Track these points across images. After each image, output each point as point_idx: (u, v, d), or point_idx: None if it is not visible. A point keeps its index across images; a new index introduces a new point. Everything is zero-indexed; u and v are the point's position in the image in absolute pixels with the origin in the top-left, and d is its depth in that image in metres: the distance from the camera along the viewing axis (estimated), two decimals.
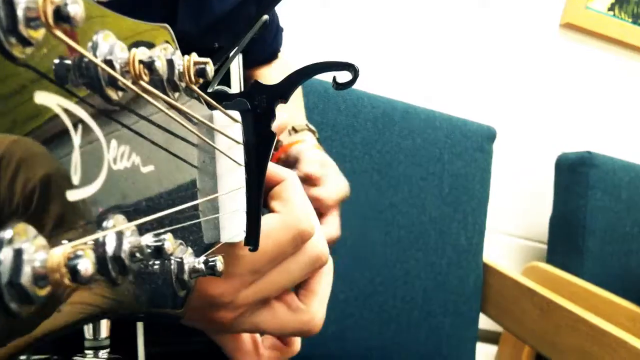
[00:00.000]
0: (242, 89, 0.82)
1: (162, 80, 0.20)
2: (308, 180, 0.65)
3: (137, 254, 0.17)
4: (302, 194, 0.39)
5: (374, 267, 1.35)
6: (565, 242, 1.55)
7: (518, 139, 1.78)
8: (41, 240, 0.15)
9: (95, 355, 0.23)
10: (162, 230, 0.20)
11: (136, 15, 0.26)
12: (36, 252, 0.14)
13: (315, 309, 0.42)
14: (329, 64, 0.36)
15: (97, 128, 0.18)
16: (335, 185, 0.69)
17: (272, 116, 0.33)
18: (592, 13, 1.80)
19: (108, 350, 0.23)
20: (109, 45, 0.17)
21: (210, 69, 0.21)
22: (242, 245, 0.33)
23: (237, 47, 0.39)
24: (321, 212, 0.67)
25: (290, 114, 0.81)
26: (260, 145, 0.32)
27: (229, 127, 0.29)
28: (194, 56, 0.21)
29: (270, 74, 0.87)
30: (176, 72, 0.20)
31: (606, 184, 1.53)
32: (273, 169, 0.39)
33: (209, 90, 0.35)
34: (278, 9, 0.89)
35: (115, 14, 0.20)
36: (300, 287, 0.42)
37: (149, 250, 0.18)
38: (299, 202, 0.37)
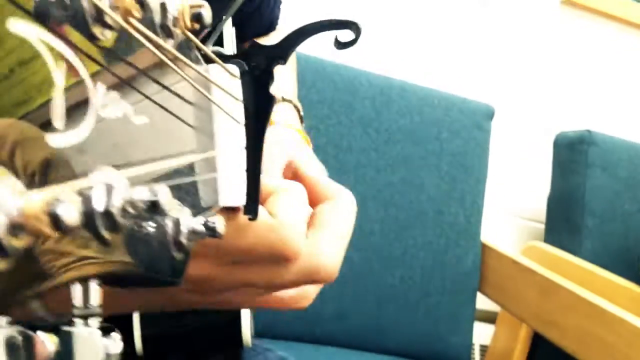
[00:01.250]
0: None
1: (153, 23, 0.18)
2: None
3: (130, 209, 0.15)
4: (296, 209, 0.35)
5: (372, 247, 1.34)
6: (564, 221, 1.54)
7: (517, 117, 1.77)
8: (18, 186, 0.13)
9: (86, 324, 0.21)
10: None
11: None
12: (12, 198, 0.12)
13: (320, 243, 0.37)
14: (330, 22, 0.34)
15: (83, 68, 0.16)
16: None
17: (270, 78, 0.31)
18: None
19: (100, 319, 0.21)
20: None
21: (208, 13, 0.19)
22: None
23: (229, 10, 0.37)
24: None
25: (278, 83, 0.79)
26: (259, 109, 0.31)
27: (226, 83, 0.27)
28: None
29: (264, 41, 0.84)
30: (170, 16, 0.18)
31: (605, 162, 1.52)
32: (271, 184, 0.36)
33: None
34: None
35: None
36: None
37: (142, 205, 0.16)
38: (298, 212, 0.34)
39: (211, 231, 0.20)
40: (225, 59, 0.31)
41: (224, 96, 0.26)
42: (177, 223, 0.19)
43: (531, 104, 1.79)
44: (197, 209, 0.23)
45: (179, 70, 0.20)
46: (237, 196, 0.26)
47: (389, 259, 1.35)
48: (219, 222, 0.21)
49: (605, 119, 1.80)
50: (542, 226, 1.63)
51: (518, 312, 1.34)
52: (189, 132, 0.24)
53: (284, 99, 0.74)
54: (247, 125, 0.31)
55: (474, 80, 1.71)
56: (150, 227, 0.18)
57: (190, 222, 0.19)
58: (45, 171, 0.15)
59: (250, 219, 0.30)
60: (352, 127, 1.35)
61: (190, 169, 0.23)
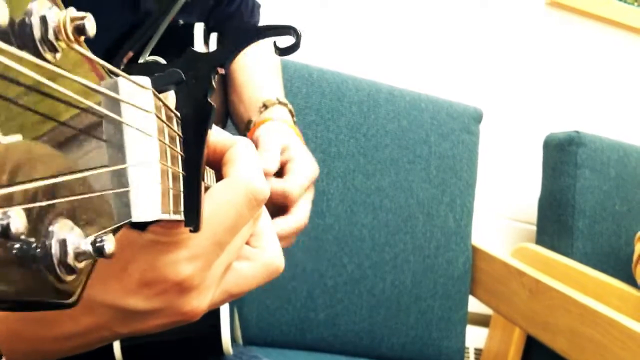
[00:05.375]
0: None
1: (32, 39, 0.17)
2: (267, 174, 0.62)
3: None
4: (252, 154, 0.37)
5: (362, 252, 1.33)
6: (555, 223, 1.54)
7: (505, 120, 1.77)
8: None
9: None
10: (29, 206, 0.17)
11: None
12: None
13: (269, 245, 0.40)
14: (269, 27, 0.34)
15: None
16: (299, 172, 0.65)
17: (208, 86, 0.31)
18: None
19: None
20: None
21: (91, 25, 0.19)
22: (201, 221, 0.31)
23: (166, 15, 0.37)
24: (287, 204, 0.63)
25: (264, 87, 0.79)
26: (197, 118, 0.31)
27: (137, 94, 0.26)
28: (71, 11, 0.19)
29: (250, 48, 0.84)
30: (51, 30, 0.18)
31: (595, 162, 1.52)
32: (221, 138, 0.37)
33: (140, 60, 0.33)
34: None
35: None
36: None
37: None
38: (247, 161, 0.35)
39: (98, 251, 0.20)
40: (162, 68, 0.30)
41: (133, 110, 0.25)
42: (63, 244, 0.18)
43: (519, 106, 1.79)
44: (105, 225, 0.23)
45: (71, 93, 0.20)
46: (151, 210, 0.26)
47: (379, 264, 1.34)
48: (108, 242, 0.20)
49: (593, 120, 1.81)
50: (534, 228, 1.63)
51: (510, 314, 1.34)
52: (101, 145, 0.23)
53: (279, 102, 0.75)
54: (185, 136, 0.30)
55: (461, 84, 1.72)
56: (34, 250, 0.18)
57: (78, 242, 0.19)
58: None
59: (191, 231, 0.30)
60: (339, 132, 1.35)
61: (99, 182, 0.22)
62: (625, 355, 1.04)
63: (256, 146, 0.64)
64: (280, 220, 0.62)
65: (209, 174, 0.40)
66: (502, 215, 1.79)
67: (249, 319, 1.24)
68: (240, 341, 0.84)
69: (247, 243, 0.39)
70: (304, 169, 0.65)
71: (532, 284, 1.25)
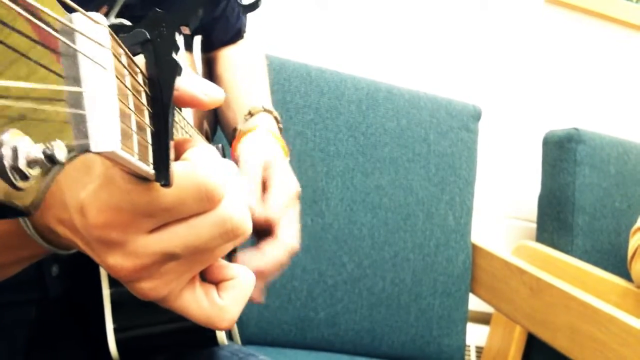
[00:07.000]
0: (202, 71, 0.81)
1: None
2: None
3: None
4: (219, 156, 0.36)
5: (362, 251, 1.33)
6: (555, 220, 1.54)
7: (504, 117, 1.77)
8: None
9: None
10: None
11: None
12: None
13: (229, 306, 0.39)
14: None
15: None
16: (278, 192, 0.62)
17: (172, 45, 0.32)
18: None
19: None
20: None
21: None
22: (136, 182, 0.31)
23: None
24: (271, 228, 0.60)
25: (251, 93, 0.79)
26: (162, 75, 0.31)
27: (91, 30, 0.26)
28: None
29: (237, 53, 0.85)
30: None
31: (594, 160, 1.52)
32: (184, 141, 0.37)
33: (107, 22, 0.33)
34: None
35: None
36: (221, 280, 0.39)
37: None
38: (211, 158, 0.35)
39: (49, 158, 0.20)
40: (128, 29, 0.31)
41: (88, 43, 0.25)
42: (14, 151, 0.19)
43: (518, 104, 1.79)
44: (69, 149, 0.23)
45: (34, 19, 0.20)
46: (110, 143, 0.25)
47: (379, 262, 1.34)
48: (58, 148, 0.20)
49: (592, 117, 1.81)
50: (534, 225, 1.63)
51: (510, 312, 1.34)
52: (59, 80, 0.23)
53: (265, 109, 0.75)
54: (153, 94, 0.31)
55: (460, 82, 1.72)
56: None
57: (29, 148, 0.19)
58: None
59: (163, 185, 0.30)
60: (338, 131, 1.35)
61: (60, 114, 0.22)
62: (625, 352, 1.04)
63: (237, 164, 0.63)
64: (267, 245, 0.59)
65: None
66: (502, 213, 1.79)
67: (249, 318, 1.24)
68: (239, 340, 0.84)
69: (217, 288, 0.39)
70: (283, 187, 0.63)
71: (533, 282, 1.25)
